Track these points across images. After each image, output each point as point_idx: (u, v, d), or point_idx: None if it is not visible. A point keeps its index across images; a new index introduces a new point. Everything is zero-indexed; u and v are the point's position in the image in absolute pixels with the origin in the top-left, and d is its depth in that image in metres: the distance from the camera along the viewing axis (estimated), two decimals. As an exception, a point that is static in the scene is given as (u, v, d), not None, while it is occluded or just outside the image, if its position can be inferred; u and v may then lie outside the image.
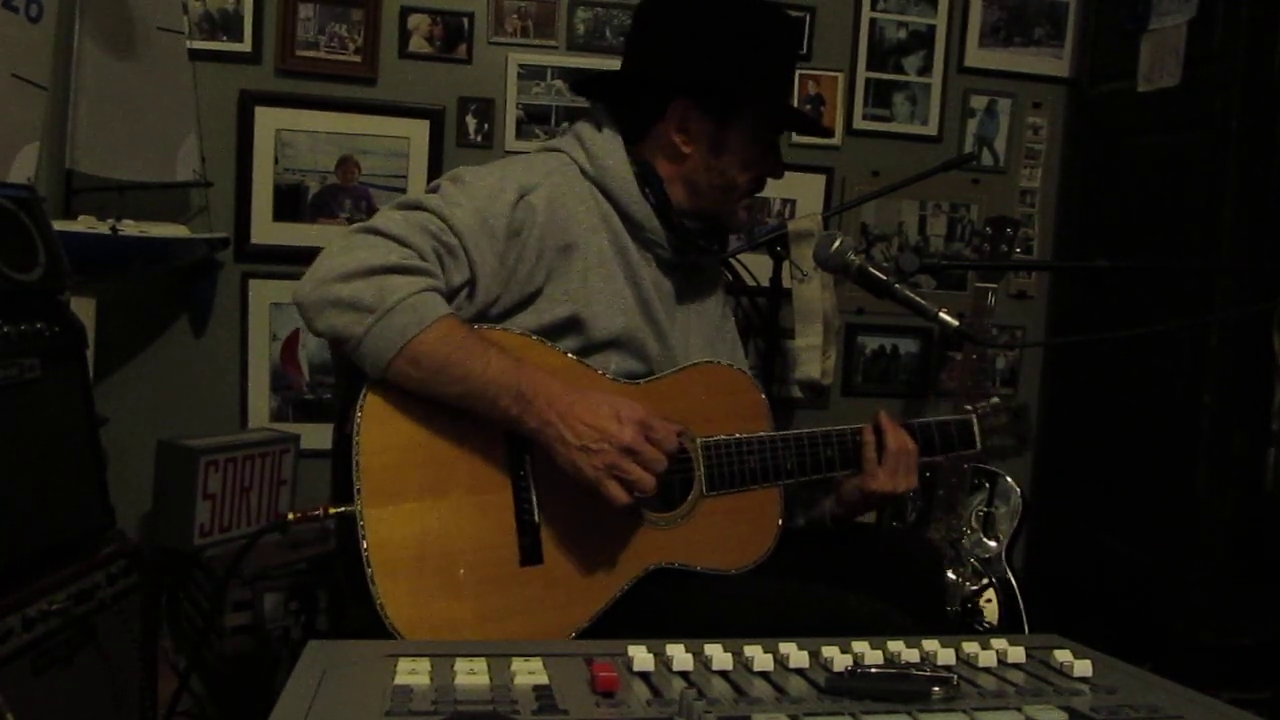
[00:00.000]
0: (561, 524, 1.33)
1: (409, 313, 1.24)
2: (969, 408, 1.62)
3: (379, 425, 1.27)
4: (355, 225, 1.34)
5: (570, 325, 1.40)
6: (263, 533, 1.41)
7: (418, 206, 1.34)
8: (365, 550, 1.23)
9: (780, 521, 1.49)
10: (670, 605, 1.34)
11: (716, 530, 1.43)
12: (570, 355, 1.39)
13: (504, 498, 1.32)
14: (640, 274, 1.48)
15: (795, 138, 2.78)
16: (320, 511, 1.27)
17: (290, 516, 1.31)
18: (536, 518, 1.32)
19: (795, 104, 2.86)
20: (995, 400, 1.67)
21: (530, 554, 1.31)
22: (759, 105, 1.50)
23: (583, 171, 1.47)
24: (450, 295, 1.33)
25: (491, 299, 1.37)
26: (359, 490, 1.24)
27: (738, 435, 1.45)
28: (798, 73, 2.87)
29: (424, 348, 1.25)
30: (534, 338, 1.37)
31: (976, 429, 1.61)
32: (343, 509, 1.25)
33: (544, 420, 1.26)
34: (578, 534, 1.33)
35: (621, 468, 1.25)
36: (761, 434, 1.47)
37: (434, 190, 1.40)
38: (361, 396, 1.27)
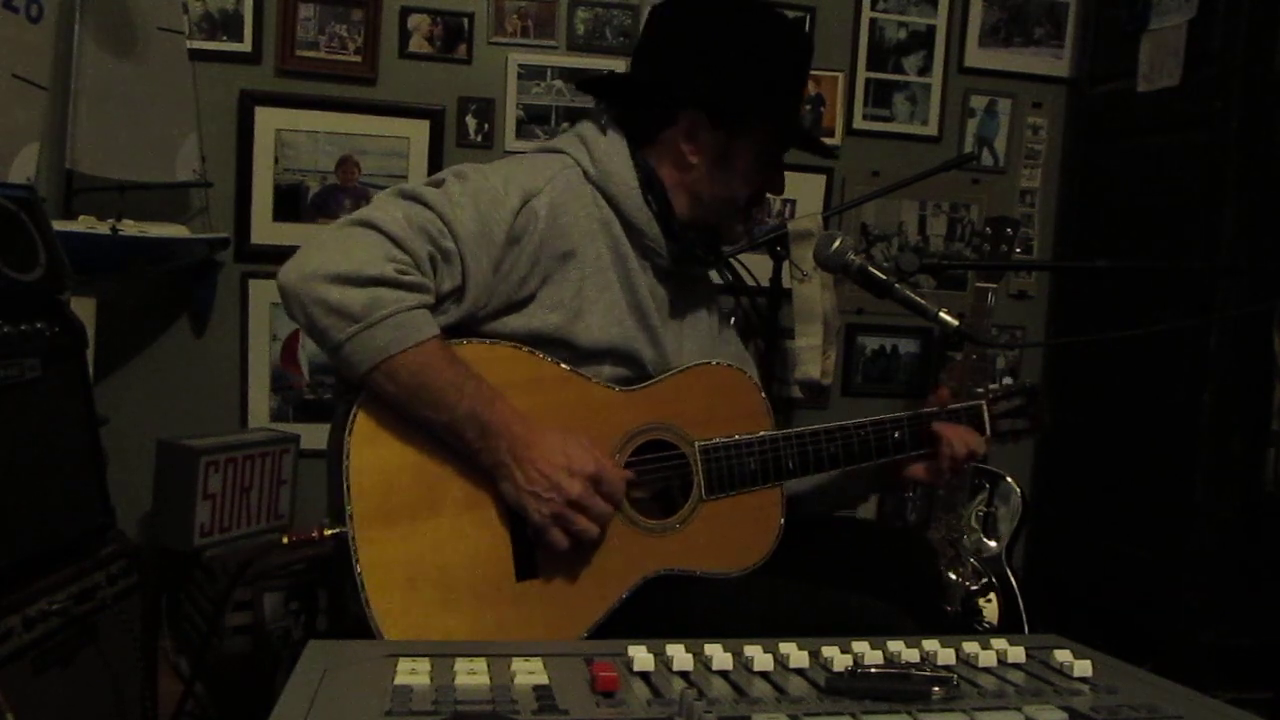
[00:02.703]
0: None
1: (393, 330, 1.24)
2: (979, 390, 1.62)
3: (369, 446, 1.27)
4: (353, 214, 1.32)
5: (559, 333, 1.39)
6: (258, 556, 1.43)
7: (420, 201, 1.32)
8: (359, 572, 1.23)
9: (781, 521, 1.48)
10: (670, 609, 1.34)
11: (717, 533, 1.42)
12: (563, 366, 1.38)
13: (498, 512, 1.31)
14: (637, 282, 1.47)
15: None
16: (315, 534, 1.28)
17: (284, 540, 1.33)
18: (530, 532, 1.31)
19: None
20: (1007, 381, 1.65)
21: (526, 568, 1.31)
22: (770, 123, 1.49)
23: (585, 175, 1.45)
24: (439, 301, 1.32)
25: (480, 305, 1.36)
26: (350, 514, 1.24)
27: (737, 437, 1.45)
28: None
29: (401, 368, 1.25)
30: (524, 349, 1.36)
31: (986, 415, 1.60)
32: (335, 531, 1.25)
33: (498, 460, 1.28)
34: (573, 546, 1.32)
35: (567, 518, 1.28)
36: (761, 434, 1.46)
37: (438, 184, 1.37)
38: (351, 418, 1.27)
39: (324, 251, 1.27)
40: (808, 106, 2.89)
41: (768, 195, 1.58)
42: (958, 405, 1.59)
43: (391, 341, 1.24)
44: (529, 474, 1.28)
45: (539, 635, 1.29)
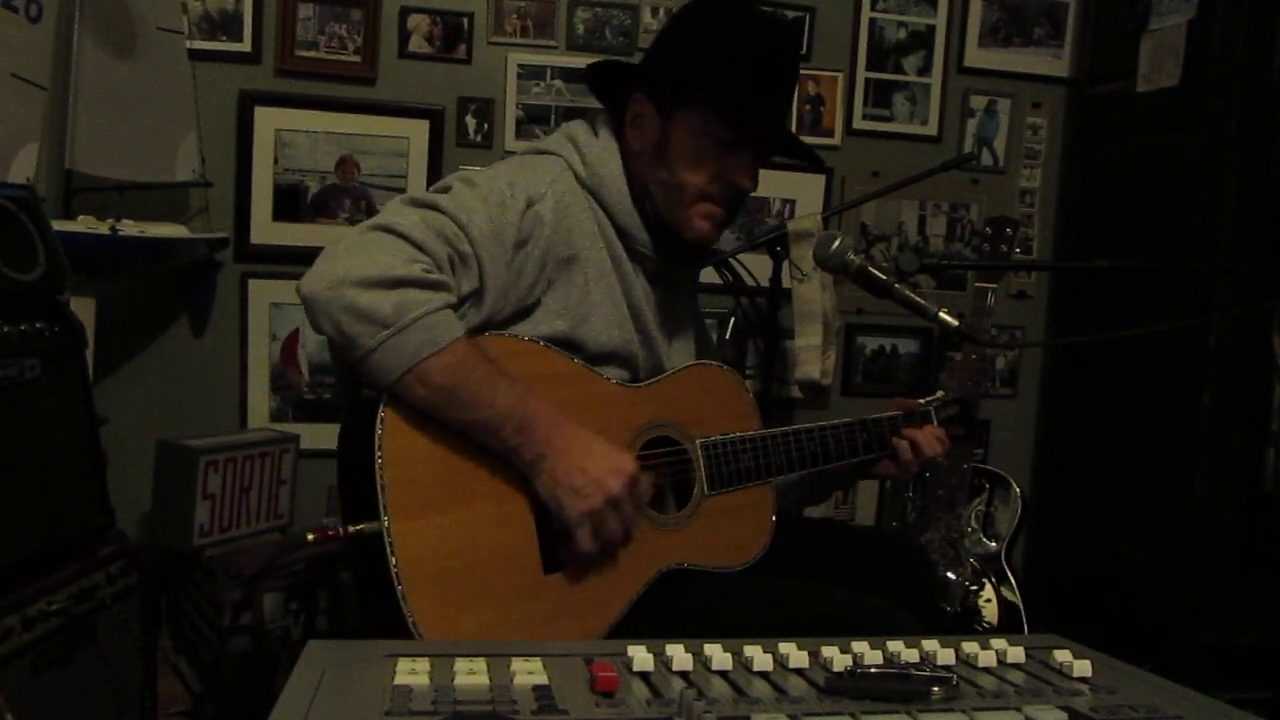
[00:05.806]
0: None
1: (424, 332, 1.22)
2: (921, 401, 1.66)
3: (399, 439, 1.25)
4: (370, 221, 1.30)
5: (567, 338, 1.39)
6: (285, 554, 1.37)
7: (433, 207, 1.31)
8: (395, 567, 1.20)
9: (774, 517, 1.51)
10: (683, 605, 1.36)
11: (720, 529, 1.45)
12: (576, 361, 1.39)
13: (524, 507, 1.31)
14: (632, 284, 1.48)
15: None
16: (339, 532, 1.24)
17: (309, 537, 1.27)
18: (557, 526, 1.31)
19: (792, 107, 2.86)
20: (940, 394, 1.70)
21: (553, 562, 1.31)
22: (705, 102, 1.44)
23: (578, 178, 1.45)
24: (459, 303, 1.31)
25: (499, 309, 1.35)
26: (385, 506, 1.21)
27: (733, 434, 1.47)
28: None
29: (434, 371, 1.23)
30: (540, 344, 1.37)
31: (934, 418, 1.64)
32: (363, 526, 1.22)
33: (539, 454, 1.28)
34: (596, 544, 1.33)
35: (602, 517, 1.28)
36: (753, 432, 1.49)
37: (445, 190, 1.37)
38: (380, 410, 1.25)
39: (347, 258, 1.24)
40: (808, 106, 2.89)
41: (744, 190, 1.49)
42: (912, 410, 1.64)
43: (423, 344, 1.22)
44: (569, 470, 1.27)
45: (567, 628, 1.30)
